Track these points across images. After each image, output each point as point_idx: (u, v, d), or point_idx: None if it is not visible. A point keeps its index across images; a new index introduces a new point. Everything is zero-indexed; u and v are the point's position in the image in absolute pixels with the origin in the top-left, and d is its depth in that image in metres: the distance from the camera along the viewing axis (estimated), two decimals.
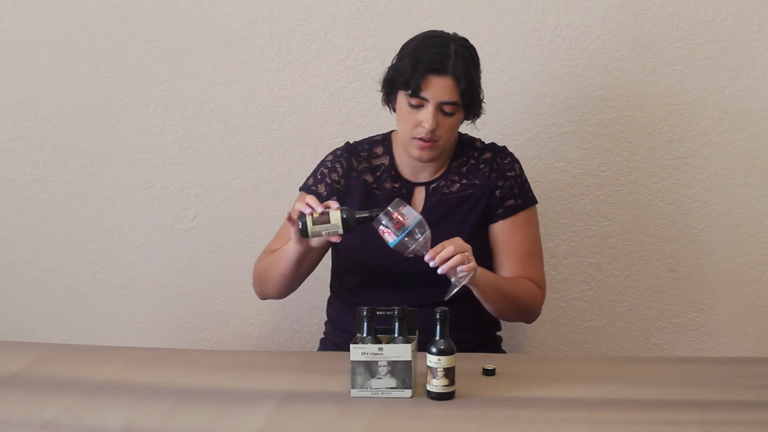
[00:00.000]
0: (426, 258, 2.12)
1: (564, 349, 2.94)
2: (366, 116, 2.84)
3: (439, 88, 2.29)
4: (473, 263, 2.14)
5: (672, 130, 2.83)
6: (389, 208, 2.13)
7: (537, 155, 2.84)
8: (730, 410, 1.97)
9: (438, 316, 1.99)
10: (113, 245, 2.99)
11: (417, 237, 2.11)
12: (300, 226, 2.17)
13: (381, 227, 2.13)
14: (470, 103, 2.34)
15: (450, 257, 2.11)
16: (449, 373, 1.99)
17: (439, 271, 2.12)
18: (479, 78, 2.37)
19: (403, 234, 2.11)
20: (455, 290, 2.13)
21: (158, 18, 2.87)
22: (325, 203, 2.18)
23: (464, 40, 2.36)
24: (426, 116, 2.30)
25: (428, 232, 2.12)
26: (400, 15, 2.80)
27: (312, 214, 2.16)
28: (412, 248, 2.12)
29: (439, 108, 2.30)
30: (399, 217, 2.12)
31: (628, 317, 2.92)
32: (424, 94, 2.29)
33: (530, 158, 2.82)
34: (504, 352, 2.58)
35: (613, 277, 2.91)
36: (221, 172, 2.93)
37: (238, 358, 2.44)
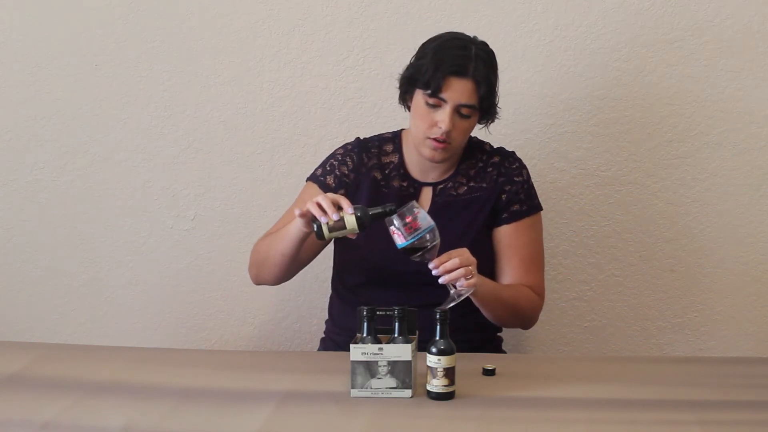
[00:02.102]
0: (430, 266, 2.12)
1: (564, 349, 2.94)
2: (366, 116, 2.84)
3: (458, 91, 2.30)
4: (475, 279, 2.15)
5: (672, 130, 2.83)
6: (404, 210, 2.12)
7: (537, 155, 2.84)
8: (730, 410, 1.97)
9: (438, 316, 1.99)
10: (113, 245, 2.99)
11: (426, 244, 2.11)
12: (315, 230, 2.17)
13: (392, 228, 2.13)
14: (487, 107, 2.35)
15: (454, 269, 2.11)
16: (449, 373, 1.99)
17: (441, 281, 2.13)
18: (497, 83, 2.37)
19: (414, 238, 2.11)
20: (452, 303, 2.13)
21: (158, 18, 2.87)
22: (336, 199, 2.16)
23: (485, 44, 2.37)
24: (443, 117, 2.30)
25: (438, 241, 2.12)
26: (400, 15, 2.80)
27: (328, 223, 2.15)
28: (419, 254, 2.12)
29: (457, 110, 2.31)
30: (412, 220, 2.11)
31: (628, 317, 2.92)
32: (444, 95, 2.29)
33: (530, 158, 2.81)
34: (504, 352, 2.58)
35: (613, 277, 2.91)
36: (221, 172, 2.93)
37: (238, 358, 2.44)
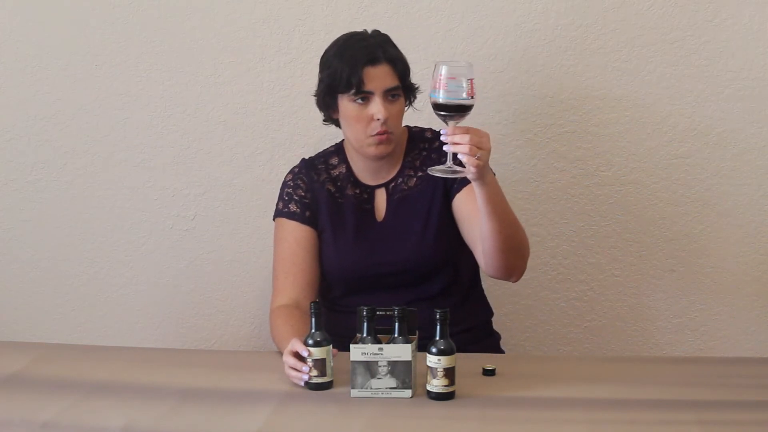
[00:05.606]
0: (441, 131, 2.03)
1: (564, 349, 2.94)
2: None
3: (380, 78, 2.32)
4: (479, 163, 2.02)
5: (672, 130, 2.83)
6: (452, 65, 2.00)
7: (537, 155, 2.84)
8: (729, 410, 1.97)
9: (438, 316, 1.99)
10: (113, 245, 2.99)
11: (450, 104, 2.00)
12: (313, 388, 2.09)
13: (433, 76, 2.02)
14: (408, 85, 2.39)
15: (462, 143, 2.00)
16: (449, 373, 1.99)
17: (444, 147, 2.04)
18: (406, 59, 2.40)
19: (440, 94, 1.99)
20: (440, 173, 2.06)
21: (158, 18, 2.87)
22: (293, 350, 2.07)
23: (377, 31, 2.41)
24: (376, 108, 2.32)
25: (466, 114, 2.01)
26: (400, 15, 2.80)
27: (310, 377, 2.07)
28: (443, 113, 2.00)
29: (385, 97, 2.33)
30: (445, 76, 1.99)
31: (628, 317, 2.92)
32: (369, 87, 2.32)
33: (530, 158, 2.82)
34: (503, 352, 2.58)
35: (613, 277, 2.91)
36: (221, 172, 2.93)
37: (238, 358, 2.45)
